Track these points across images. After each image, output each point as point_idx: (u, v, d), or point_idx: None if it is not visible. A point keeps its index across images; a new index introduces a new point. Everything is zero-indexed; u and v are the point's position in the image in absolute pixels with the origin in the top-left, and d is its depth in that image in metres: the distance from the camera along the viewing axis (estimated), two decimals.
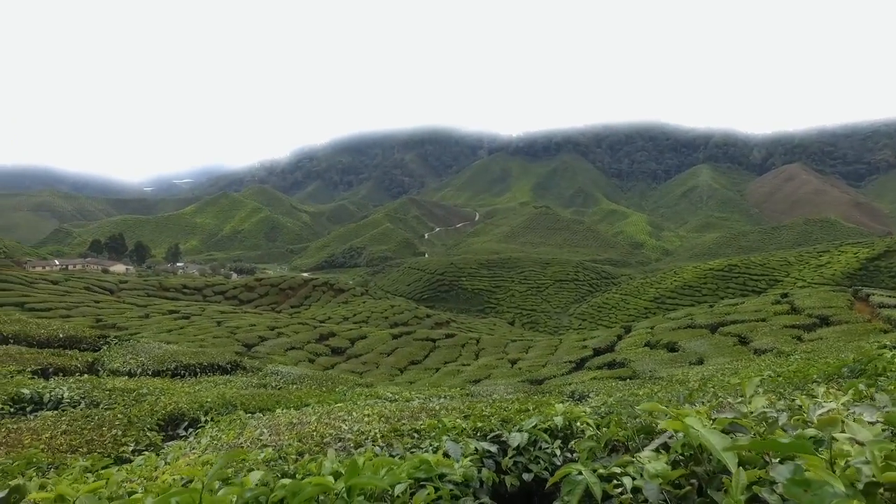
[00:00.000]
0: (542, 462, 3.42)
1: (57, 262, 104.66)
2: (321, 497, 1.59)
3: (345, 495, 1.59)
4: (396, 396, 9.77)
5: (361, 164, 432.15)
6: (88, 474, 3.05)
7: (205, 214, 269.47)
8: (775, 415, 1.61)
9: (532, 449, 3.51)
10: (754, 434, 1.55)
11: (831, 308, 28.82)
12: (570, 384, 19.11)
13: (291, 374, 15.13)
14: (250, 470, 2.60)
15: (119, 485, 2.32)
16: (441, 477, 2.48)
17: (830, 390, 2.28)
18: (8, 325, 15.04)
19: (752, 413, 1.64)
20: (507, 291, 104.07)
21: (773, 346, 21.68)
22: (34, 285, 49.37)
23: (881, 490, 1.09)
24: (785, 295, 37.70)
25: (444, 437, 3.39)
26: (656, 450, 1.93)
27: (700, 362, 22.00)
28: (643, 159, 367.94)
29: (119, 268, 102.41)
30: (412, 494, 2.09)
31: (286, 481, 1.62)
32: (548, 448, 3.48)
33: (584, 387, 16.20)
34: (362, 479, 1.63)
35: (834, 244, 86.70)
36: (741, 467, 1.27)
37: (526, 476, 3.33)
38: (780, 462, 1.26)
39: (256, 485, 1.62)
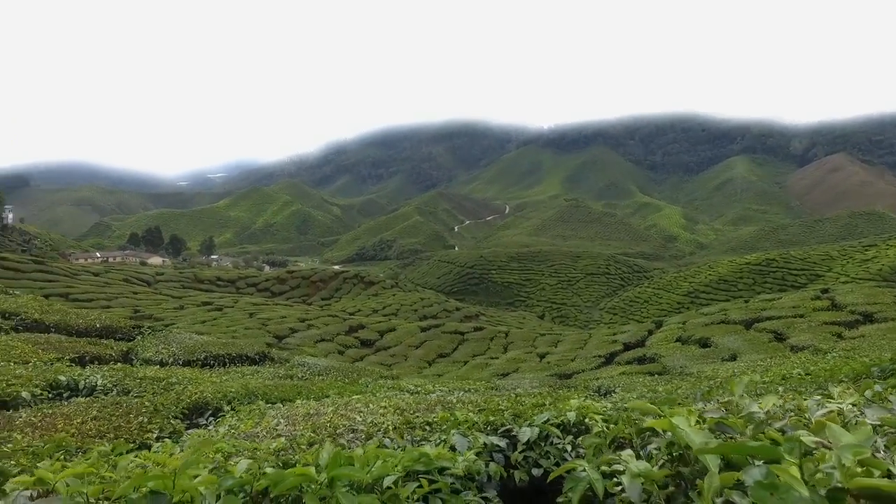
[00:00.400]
0: (552, 457, 3.38)
1: (98, 255, 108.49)
2: (305, 486, 1.60)
3: (327, 486, 1.60)
4: (418, 389, 9.81)
5: (391, 157, 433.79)
6: (106, 459, 3.13)
7: (238, 208, 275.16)
8: (762, 415, 1.54)
9: (543, 444, 3.47)
10: (741, 435, 1.48)
11: (876, 305, 27.65)
12: (598, 379, 18.90)
13: (318, 365, 15.36)
14: (254, 459, 2.63)
15: (127, 470, 2.37)
16: (442, 471, 2.47)
17: (847, 390, 2.17)
18: (50, 314, 15.68)
19: (740, 413, 1.57)
20: (537, 285, 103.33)
21: (810, 344, 20.99)
22: (77, 277, 51.22)
23: (849, 496, 1.02)
24: (825, 290, 36.40)
25: (453, 431, 3.38)
26: (658, 449, 1.88)
27: (733, 359, 21.47)
28: (677, 151, 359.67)
29: (156, 260, 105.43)
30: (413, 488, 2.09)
31: (270, 470, 1.64)
32: (559, 444, 3.44)
33: (611, 382, 15.99)
34: (343, 470, 1.63)
35: (881, 238, 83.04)
36: (715, 469, 1.21)
37: (535, 471, 3.29)
38: (757, 466, 1.20)
39: (245, 473, 1.63)
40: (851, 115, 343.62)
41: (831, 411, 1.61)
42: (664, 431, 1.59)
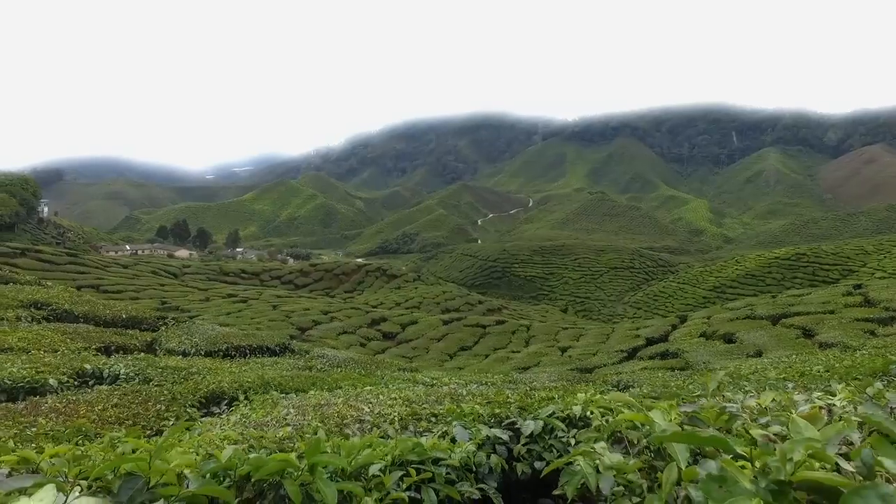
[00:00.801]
0: (555, 451, 3.37)
1: (128, 248, 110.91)
2: (286, 472, 1.62)
3: (308, 472, 1.62)
4: (434, 381, 9.86)
5: (415, 150, 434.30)
6: (112, 444, 3.22)
7: (263, 201, 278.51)
8: (735, 408, 1.52)
9: (547, 437, 3.46)
10: (719, 429, 1.46)
11: None
12: (619, 374, 18.76)
13: (337, 357, 15.54)
14: (251, 446, 2.68)
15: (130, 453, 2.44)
16: (437, 461, 2.47)
17: (848, 388, 2.12)
18: (79, 305, 16.17)
19: (713, 407, 1.55)
20: (560, 278, 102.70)
21: (839, 341, 20.48)
22: (107, 269, 52.63)
23: (793, 488, 1.02)
24: (858, 286, 35.44)
25: (454, 422, 3.39)
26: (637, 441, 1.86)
27: (758, 355, 21.07)
28: (705, 143, 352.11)
29: (183, 253, 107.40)
30: (402, 477, 2.10)
31: (253, 456, 1.67)
32: (563, 437, 3.42)
33: (631, 377, 15.85)
34: (322, 457, 1.65)
35: None
36: (681, 461, 1.19)
37: (538, 464, 3.28)
38: (713, 459, 1.18)
39: (231, 458, 1.66)
40: (891, 104, 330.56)
41: (815, 407, 1.57)
42: (642, 425, 1.58)
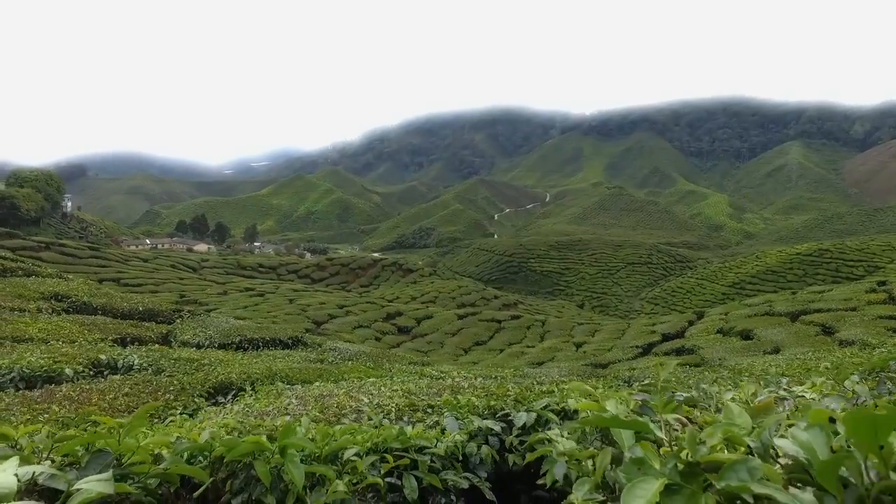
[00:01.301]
0: (547, 443, 3.40)
1: (148, 242, 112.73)
2: (264, 454, 1.67)
3: (278, 454, 1.67)
4: (442, 375, 9.91)
5: (432, 145, 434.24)
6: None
7: (280, 196, 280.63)
8: (682, 398, 1.54)
9: (540, 429, 3.50)
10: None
11: None
12: (633, 369, 18.62)
13: (349, 350, 15.69)
14: (245, 432, 2.75)
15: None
16: (421, 450, 2.51)
17: (826, 381, 2.12)
18: (97, 297, 16.55)
19: (663, 395, 1.57)
20: (576, 274, 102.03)
21: (860, 338, 20.08)
22: (128, 263, 53.53)
23: (703, 469, 1.08)
24: (883, 283, 34.69)
25: (446, 413, 3.43)
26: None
27: (776, 352, 20.78)
28: (725, 137, 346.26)
29: (202, 247, 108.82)
30: (380, 462, 2.14)
31: (226, 437, 1.72)
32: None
33: (644, 372, 15.74)
34: (294, 440, 1.70)
35: None
36: (624, 446, 1.22)
37: (530, 455, 3.32)
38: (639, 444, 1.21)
39: (207, 440, 1.72)
40: None
41: (771, 397, 1.58)
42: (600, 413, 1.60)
